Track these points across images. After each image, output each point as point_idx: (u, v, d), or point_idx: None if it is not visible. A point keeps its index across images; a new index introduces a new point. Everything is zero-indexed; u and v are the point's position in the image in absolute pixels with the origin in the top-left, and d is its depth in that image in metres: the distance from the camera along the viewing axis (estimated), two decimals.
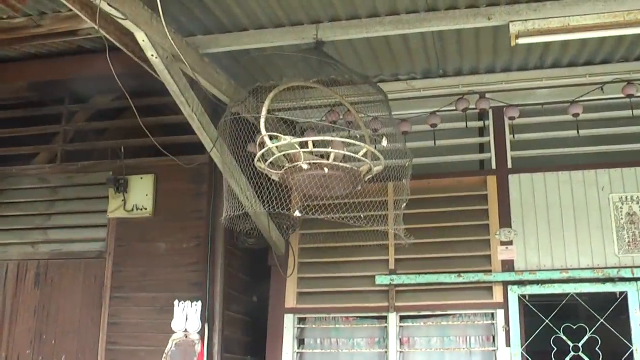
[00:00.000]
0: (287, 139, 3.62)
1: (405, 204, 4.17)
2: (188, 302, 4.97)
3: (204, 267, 5.15)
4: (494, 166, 5.46)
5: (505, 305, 5.08)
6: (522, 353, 4.94)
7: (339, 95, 4.22)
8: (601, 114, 5.22)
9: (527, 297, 5.08)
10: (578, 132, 5.04)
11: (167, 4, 3.64)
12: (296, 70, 4.64)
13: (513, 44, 3.79)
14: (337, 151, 3.64)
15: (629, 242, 5.06)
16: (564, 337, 4.96)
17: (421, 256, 5.38)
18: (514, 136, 5.31)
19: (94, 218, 5.52)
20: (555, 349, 4.91)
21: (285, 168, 3.78)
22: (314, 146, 3.68)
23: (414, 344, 5.30)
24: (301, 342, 5.48)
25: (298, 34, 4.11)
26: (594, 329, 4.92)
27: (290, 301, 5.47)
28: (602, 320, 4.94)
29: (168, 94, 5.42)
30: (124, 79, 4.46)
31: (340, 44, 4.52)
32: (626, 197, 5.16)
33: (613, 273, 4.96)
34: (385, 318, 5.28)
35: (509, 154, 5.45)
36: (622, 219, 5.11)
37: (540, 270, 5.09)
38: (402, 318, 5.30)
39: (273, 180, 4.00)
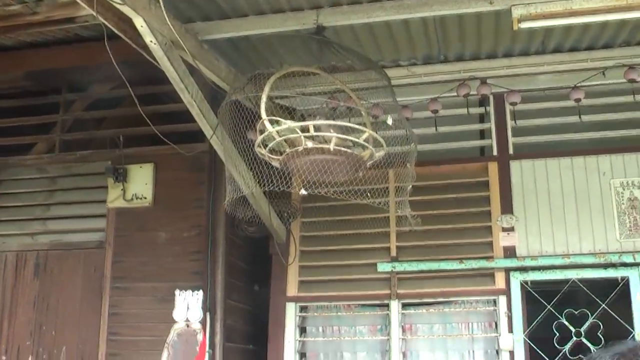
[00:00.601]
0: (287, 123, 3.59)
1: (410, 187, 4.12)
2: (189, 291, 4.95)
3: (205, 255, 5.13)
4: (495, 152, 5.44)
5: (507, 292, 5.07)
6: (524, 339, 4.93)
7: (339, 81, 4.18)
8: (603, 100, 5.20)
9: (529, 283, 5.06)
10: (580, 117, 5.02)
11: None
12: (296, 57, 4.62)
13: (515, 27, 3.75)
14: (338, 135, 3.60)
15: (630, 227, 5.05)
16: (566, 323, 4.96)
17: (423, 243, 5.36)
18: (515, 122, 5.29)
19: (93, 208, 5.48)
20: (558, 334, 4.91)
21: (285, 153, 3.74)
22: (315, 131, 3.65)
23: (416, 331, 5.29)
24: (303, 330, 5.47)
25: (298, 20, 4.06)
26: (595, 314, 4.92)
27: (292, 289, 5.45)
28: (603, 306, 4.94)
29: (167, 82, 5.36)
30: (122, 67, 4.42)
31: (341, 29, 4.47)
32: (627, 182, 5.14)
33: (615, 258, 4.95)
34: (387, 305, 5.27)
35: (510, 140, 5.42)
36: (623, 204, 5.09)
37: (542, 256, 5.07)
38: (404, 305, 5.28)
39: (274, 167, 3.96)
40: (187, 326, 4.93)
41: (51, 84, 5.83)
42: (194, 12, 4.25)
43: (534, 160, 5.35)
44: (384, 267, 5.31)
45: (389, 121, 3.70)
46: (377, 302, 5.33)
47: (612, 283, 5.00)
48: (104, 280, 5.27)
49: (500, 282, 5.11)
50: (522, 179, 5.32)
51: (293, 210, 5.58)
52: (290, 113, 4.32)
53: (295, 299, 5.43)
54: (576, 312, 5.00)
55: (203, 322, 4.94)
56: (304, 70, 4.26)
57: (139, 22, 3.57)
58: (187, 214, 5.24)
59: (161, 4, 3.53)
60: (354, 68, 4.72)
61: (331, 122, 3.70)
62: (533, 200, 5.25)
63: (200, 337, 4.89)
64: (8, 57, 5.69)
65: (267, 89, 3.71)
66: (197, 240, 5.19)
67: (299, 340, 5.38)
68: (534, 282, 5.07)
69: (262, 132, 3.71)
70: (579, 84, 4.91)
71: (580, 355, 4.89)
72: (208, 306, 4.98)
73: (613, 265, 4.96)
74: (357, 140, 3.71)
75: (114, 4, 3.37)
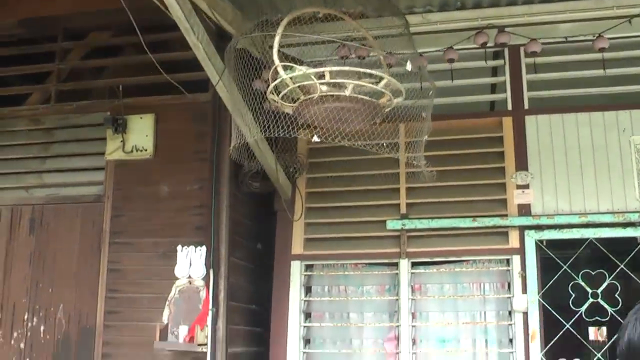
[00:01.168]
0: (302, 69, 3.36)
1: (425, 139, 3.91)
2: (192, 247, 4.75)
3: (208, 210, 4.91)
4: (509, 107, 5.23)
5: (521, 251, 4.89)
6: (538, 300, 4.77)
7: (358, 25, 3.94)
8: (626, 53, 4.96)
9: (544, 243, 4.88)
10: (604, 69, 4.80)
11: None
12: (306, 2, 4.33)
13: None
14: (355, 82, 3.38)
15: None
16: (583, 284, 4.79)
17: (434, 200, 5.17)
18: (535, 70, 5.02)
19: (90, 160, 5.25)
20: (574, 295, 4.74)
21: (299, 101, 3.52)
22: (331, 78, 3.43)
23: (426, 291, 5.11)
24: (308, 290, 5.29)
25: None
26: (613, 274, 4.75)
27: (297, 248, 5.26)
28: (622, 266, 4.77)
29: (169, 29, 5.14)
30: (121, 13, 4.24)
31: None
32: None
33: (634, 217, 4.76)
34: (396, 264, 5.09)
35: (526, 94, 5.21)
36: None
37: (558, 215, 4.89)
38: (414, 264, 5.10)
39: (282, 114, 3.74)
40: (190, 283, 4.74)
41: (47, 32, 5.56)
42: None
43: (550, 115, 5.14)
44: (393, 224, 5.11)
45: (408, 67, 3.47)
46: (386, 260, 5.15)
47: (630, 243, 4.82)
48: (102, 235, 5.06)
49: (514, 241, 4.93)
50: (537, 135, 5.12)
51: (300, 165, 5.38)
52: (297, 64, 4.08)
53: (300, 257, 5.24)
54: (593, 273, 4.83)
55: (206, 279, 4.75)
56: (317, 13, 4.01)
57: None
58: (190, 167, 5.01)
59: None
60: (365, 15, 4.50)
61: (348, 67, 3.45)
62: (549, 157, 5.05)
63: (203, 294, 4.70)
64: (1, 5, 5.43)
65: (280, 31, 3.47)
66: (200, 195, 4.97)
67: (304, 300, 5.21)
68: (549, 242, 4.89)
69: (274, 78, 3.48)
70: (604, 33, 4.66)
71: (597, 317, 4.74)
72: (212, 263, 4.77)
73: (632, 225, 4.78)
74: (374, 86, 3.47)
75: None
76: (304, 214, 5.33)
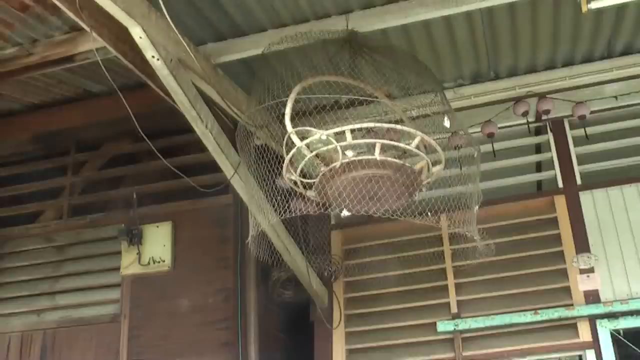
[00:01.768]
0: (318, 132, 2.93)
1: (477, 207, 3.38)
2: None
3: (234, 323, 4.40)
4: (560, 184, 4.74)
5: (595, 344, 4.25)
6: None
7: (388, 101, 3.51)
8: None
9: (621, 333, 4.23)
10: None
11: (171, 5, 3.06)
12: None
13: (584, 9, 3.12)
14: (383, 141, 2.92)
15: None
16: None
17: (487, 295, 4.60)
18: (586, 136, 4.53)
19: (105, 277, 4.84)
20: None
21: (321, 173, 3.06)
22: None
23: None
24: None
25: (326, 27, 3.46)
26: None
27: None
28: None
29: (182, 132, 4.88)
30: (137, 120, 3.99)
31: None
32: None
33: None
34: None
35: (577, 168, 4.74)
36: None
37: (633, 299, 4.27)
38: None
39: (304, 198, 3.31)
40: None
41: (59, 146, 5.33)
42: (205, 30, 3.72)
43: (607, 189, 4.66)
44: (444, 326, 4.52)
45: (447, 123, 3.02)
46: None
47: None
48: (119, 358, 4.54)
49: (585, 334, 4.31)
50: (596, 212, 4.62)
51: (335, 267, 4.90)
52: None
53: None
54: None
55: None
56: (339, 98, 3.64)
57: (137, 32, 3.02)
58: (212, 277, 4.57)
59: (165, 12, 2.99)
60: (392, 95, 4.11)
61: (373, 124, 3.00)
62: (612, 235, 4.52)
63: None
64: (16, 122, 5.32)
65: (293, 96, 3.08)
66: (224, 307, 4.49)
67: None
68: (627, 331, 4.22)
69: (289, 149, 3.06)
70: None
71: None
72: None
73: None
74: (406, 146, 3.00)
75: (101, 4, 2.81)
76: (344, 321, 4.79)
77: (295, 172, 3.12)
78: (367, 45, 3.31)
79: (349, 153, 2.94)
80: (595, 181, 4.71)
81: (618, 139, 4.72)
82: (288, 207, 4.46)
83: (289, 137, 3.02)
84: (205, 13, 3.54)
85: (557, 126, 4.84)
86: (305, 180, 3.13)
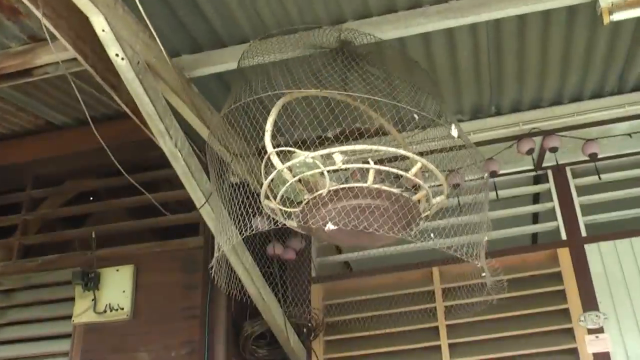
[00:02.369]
0: (303, 155, 2.51)
1: (486, 239, 2.93)
2: None
3: None
4: (563, 236, 4.35)
5: None
6: None
7: (391, 128, 3.12)
8: None
9: None
10: None
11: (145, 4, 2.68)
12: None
13: (606, 21, 2.80)
14: (377, 167, 2.51)
15: None
16: None
17: (485, 357, 4.10)
18: (599, 176, 4.18)
19: (55, 326, 4.26)
20: None
21: (305, 201, 2.64)
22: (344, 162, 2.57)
23: None
24: None
25: (316, 38, 3.09)
26: None
27: None
28: None
29: (152, 168, 4.46)
30: (99, 154, 3.57)
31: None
32: None
33: None
34: None
35: (581, 219, 4.36)
36: None
37: None
38: None
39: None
40: None
41: (15, 182, 4.83)
42: (181, 38, 3.30)
43: (615, 241, 4.26)
44: None
45: (454, 132, 2.61)
46: None
47: None
48: None
49: None
50: (603, 266, 4.22)
51: (315, 323, 4.41)
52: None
53: None
54: None
55: None
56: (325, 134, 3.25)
57: (99, 23, 2.60)
58: (177, 328, 4.02)
59: (140, 8, 2.61)
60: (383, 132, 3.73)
61: (365, 146, 2.60)
62: (622, 291, 4.12)
63: None
64: None
65: (274, 112, 2.67)
66: None
67: None
68: None
69: (268, 172, 2.62)
70: None
71: None
72: None
73: None
74: (403, 173, 2.60)
75: None
76: None
77: (275, 199, 2.67)
78: (361, 56, 2.93)
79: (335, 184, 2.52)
80: (601, 232, 4.33)
81: (624, 188, 4.38)
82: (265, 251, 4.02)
83: (269, 159, 2.60)
84: (183, 18, 3.15)
85: (559, 174, 4.51)
86: (286, 209, 2.69)
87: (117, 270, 4.20)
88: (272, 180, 2.63)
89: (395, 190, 2.58)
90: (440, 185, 2.75)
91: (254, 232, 2.66)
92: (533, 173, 4.59)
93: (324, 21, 3.14)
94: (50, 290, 4.36)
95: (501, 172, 4.33)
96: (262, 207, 2.74)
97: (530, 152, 3.99)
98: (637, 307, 4.01)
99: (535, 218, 4.85)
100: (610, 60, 3.62)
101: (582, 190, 4.48)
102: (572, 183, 4.47)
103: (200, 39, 3.28)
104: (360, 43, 3.04)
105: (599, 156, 4.19)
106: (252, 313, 4.23)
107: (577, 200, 4.42)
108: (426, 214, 2.80)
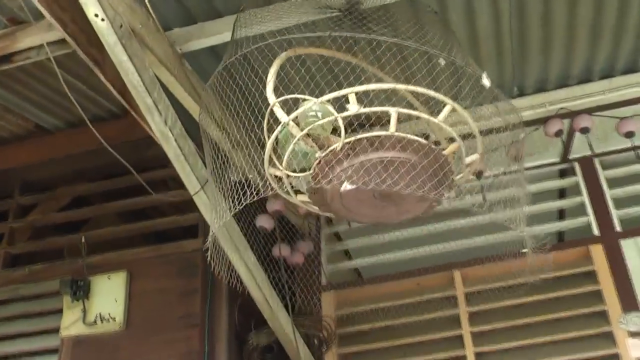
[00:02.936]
0: (311, 100, 2.15)
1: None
2: None
3: None
4: (595, 232, 3.99)
5: None
6: None
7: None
8: None
9: None
10: None
11: None
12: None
13: None
14: (400, 109, 2.15)
15: None
16: None
17: None
18: (637, 156, 3.82)
19: (42, 340, 3.93)
20: None
21: (317, 159, 2.26)
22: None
23: None
24: None
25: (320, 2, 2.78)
26: None
27: None
28: None
29: (144, 170, 4.15)
30: (89, 157, 3.33)
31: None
32: None
33: None
34: None
35: (614, 212, 4.01)
36: None
37: None
38: None
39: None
40: None
41: (3, 188, 4.55)
42: (172, 9, 2.99)
43: None
44: None
45: (485, 81, 2.25)
46: None
47: None
48: None
49: None
50: None
51: (326, 334, 4.05)
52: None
53: None
54: None
55: None
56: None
57: None
58: (174, 337, 3.70)
59: None
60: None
61: (389, 84, 2.22)
62: None
63: None
64: None
65: (276, 65, 2.33)
66: None
67: None
68: None
69: (271, 129, 2.26)
70: None
71: None
72: None
73: None
74: (432, 118, 2.22)
75: None
76: None
77: (282, 164, 2.31)
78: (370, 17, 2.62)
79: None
80: (637, 226, 3.97)
81: None
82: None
83: (272, 113, 2.25)
84: None
85: (587, 166, 4.18)
86: (294, 175, 2.32)
87: (109, 278, 3.88)
88: (276, 140, 2.27)
89: (423, 140, 2.22)
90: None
91: (244, 203, 2.28)
92: (559, 166, 4.28)
93: None
94: (39, 302, 4.04)
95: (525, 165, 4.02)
96: (267, 176, 2.38)
97: (558, 133, 3.65)
98: None
99: (561, 214, 4.49)
100: None
101: (612, 183, 4.15)
102: (602, 175, 4.14)
103: (193, 9, 2.97)
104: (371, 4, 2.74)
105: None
106: (257, 323, 3.89)
107: (608, 193, 4.09)
108: (460, 175, 2.44)
